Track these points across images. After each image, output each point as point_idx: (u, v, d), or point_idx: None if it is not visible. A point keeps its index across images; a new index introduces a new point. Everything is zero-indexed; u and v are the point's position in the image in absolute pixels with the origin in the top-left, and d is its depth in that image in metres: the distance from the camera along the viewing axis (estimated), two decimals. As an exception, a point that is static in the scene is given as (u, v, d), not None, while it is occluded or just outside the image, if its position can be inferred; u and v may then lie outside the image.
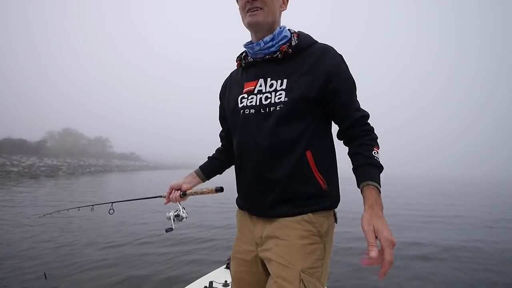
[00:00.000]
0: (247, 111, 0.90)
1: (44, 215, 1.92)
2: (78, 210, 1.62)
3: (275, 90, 0.86)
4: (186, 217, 1.15)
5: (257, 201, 0.90)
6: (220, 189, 1.02)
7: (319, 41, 0.92)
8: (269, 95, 0.86)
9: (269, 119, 0.85)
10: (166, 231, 1.12)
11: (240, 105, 0.92)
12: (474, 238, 5.48)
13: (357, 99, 0.90)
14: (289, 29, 0.93)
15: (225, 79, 1.09)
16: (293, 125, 0.84)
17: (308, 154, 0.85)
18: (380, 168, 0.83)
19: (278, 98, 0.84)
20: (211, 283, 1.88)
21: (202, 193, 1.07)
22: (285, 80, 0.85)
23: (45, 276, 3.06)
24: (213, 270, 2.26)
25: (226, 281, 1.91)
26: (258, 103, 0.88)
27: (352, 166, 0.86)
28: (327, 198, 0.87)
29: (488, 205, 11.45)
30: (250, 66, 0.95)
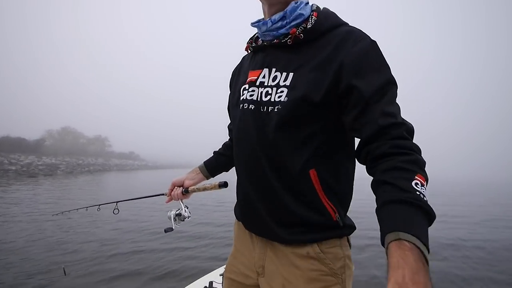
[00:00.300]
0: (245, 105, 0.74)
1: (57, 214, 1.95)
2: (86, 210, 1.62)
3: (277, 86, 0.68)
4: (189, 217, 1.06)
5: (253, 215, 0.76)
6: (224, 185, 0.94)
7: (349, 24, 0.69)
8: (270, 91, 0.69)
9: (266, 122, 0.69)
10: (165, 231, 1.03)
11: (241, 97, 0.76)
12: (468, 237, 5.56)
13: (395, 103, 0.61)
14: (312, 5, 0.73)
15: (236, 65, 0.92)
16: (292, 134, 0.67)
17: (312, 173, 0.67)
18: (428, 212, 0.45)
19: (279, 97, 0.67)
20: (211, 283, 1.87)
21: (205, 189, 0.98)
22: (291, 74, 0.67)
23: (64, 272, 3.04)
24: (213, 270, 2.26)
25: (226, 281, 1.91)
26: (258, 98, 0.71)
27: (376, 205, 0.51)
28: (337, 228, 0.70)
29: (487, 205, 11.51)
30: (258, 51, 0.77)
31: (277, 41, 0.71)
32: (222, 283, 1.78)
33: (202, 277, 2.10)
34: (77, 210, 1.74)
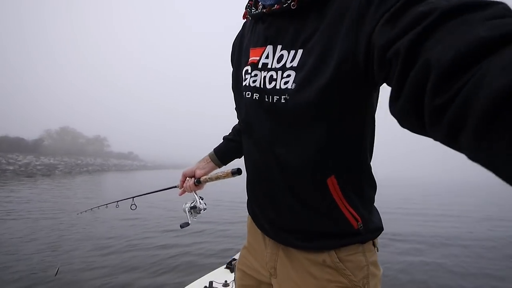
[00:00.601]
0: (248, 94, 0.61)
1: (81, 212, 1.99)
2: (106, 207, 1.61)
3: (283, 68, 0.54)
4: (205, 209, 1.00)
5: (261, 215, 0.70)
6: (237, 172, 0.87)
7: None
8: (274, 75, 0.55)
9: (273, 116, 0.57)
10: (181, 226, 0.97)
11: (243, 83, 0.63)
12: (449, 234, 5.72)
13: None
14: None
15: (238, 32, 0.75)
16: (304, 130, 0.54)
17: (331, 182, 0.56)
18: None
19: (285, 83, 0.53)
20: (211, 283, 1.85)
21: (217, 178, 0.92)
22: (299, 52, 0.52)
23: (56, 272, 3.04)
24: (213, 269, 2.24)
25: (226, 281, 1.88)
26: (261, 85, 0.58)
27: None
28: (358, 234, 0.61)
29: (479, 205, 11.73)
30: (258, 20, 0.61)
31: (278, 6, 0.54)
32: (229, 264, 1.76)
33: (202, 277, 2.07)
34: (98, 207, 1.75)
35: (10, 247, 4.04)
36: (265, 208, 0.67)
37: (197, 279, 2.05)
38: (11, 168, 23.74)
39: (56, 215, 6.26)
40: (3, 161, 25.09)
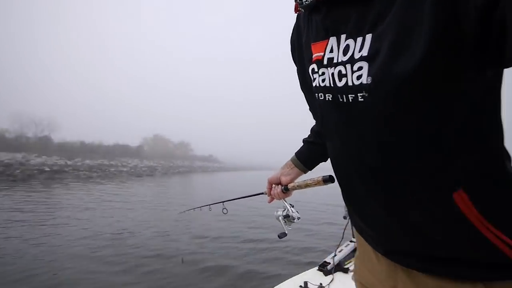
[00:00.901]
0: (321, 96, 0.52)
1: (180, 212, 2.38)
2: (200, 209, 1.82)
3: (351, 60, 0.44)
4: (298, 218, 0.95)
5: (366, 228, 0.58)
6: (330, 179, 0.78)
7: None
8: (343, 70, 0.46)
9: (352, 117, 0.47)
10: (279, 237, 0.93)
11: (313, 85, 0.54)
12: None
13: None
14: None
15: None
16: (401, 133, 0.43)
17: (459, 197, 0.42)
18: None
19: (358, 78, 0.43)
20: (306, 283, 1.86)
21: (307, 186, 0.85)
22: (368, 37, 0.42)
23: (182, 260, 3.86)
24: (305, 270, 2.28)
25: (321, 284, 1.86)
26: (331, 83, 0.49)
27: None
28: None
29: None
30: (312, 10, 0.52)
31: None
32: (321, 266, 1.90)
33: (295, 276, 2.08)
34: (194, 209, 1.97)
35: (132, 230, 5.14)
36: (365, 221, 0.57)
37: (285, 274, 2.14)
38: (124, 169, 29.24)
39: (165, 208, 7.52)
40: (119, 164, 31.19)
